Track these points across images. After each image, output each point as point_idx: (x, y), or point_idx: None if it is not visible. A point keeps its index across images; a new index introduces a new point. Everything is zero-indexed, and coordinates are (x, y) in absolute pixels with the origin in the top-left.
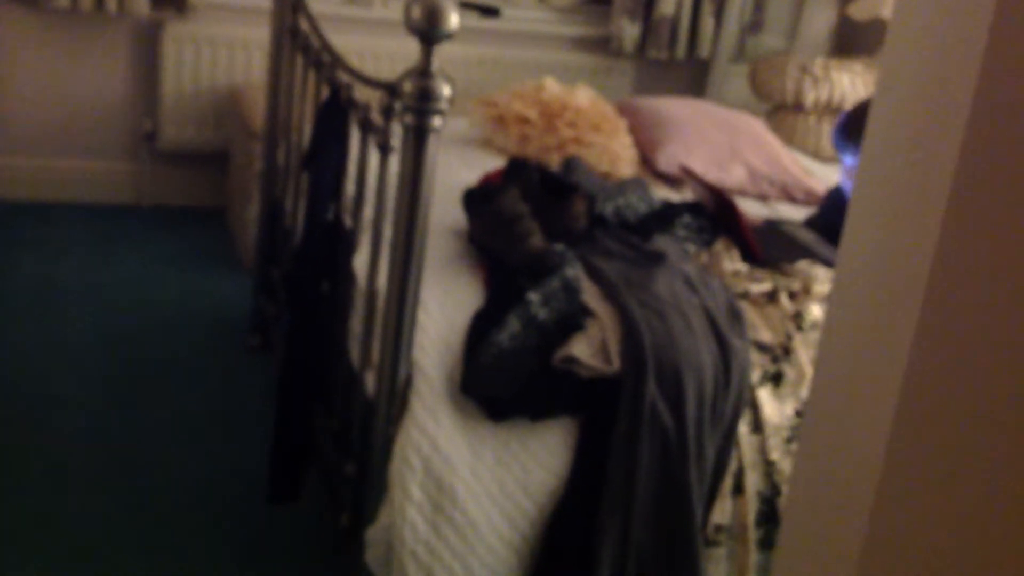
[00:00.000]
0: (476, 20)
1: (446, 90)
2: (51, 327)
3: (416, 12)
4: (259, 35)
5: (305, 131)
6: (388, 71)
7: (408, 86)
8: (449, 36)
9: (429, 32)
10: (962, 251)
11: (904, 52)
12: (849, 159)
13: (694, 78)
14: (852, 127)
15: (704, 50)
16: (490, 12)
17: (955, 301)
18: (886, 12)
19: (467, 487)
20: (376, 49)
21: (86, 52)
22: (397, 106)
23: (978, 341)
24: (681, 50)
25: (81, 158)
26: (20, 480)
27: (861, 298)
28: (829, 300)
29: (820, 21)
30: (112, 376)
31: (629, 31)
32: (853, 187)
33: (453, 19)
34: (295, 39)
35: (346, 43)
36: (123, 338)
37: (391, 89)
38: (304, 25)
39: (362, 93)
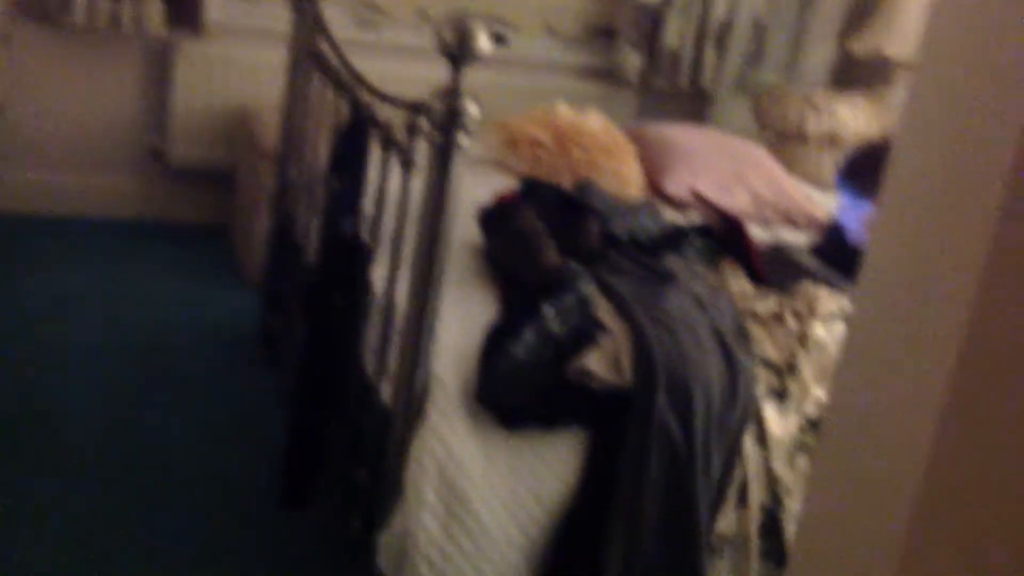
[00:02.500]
0: None
1: (474, 109)
2: (60, 340)
3: (448, 34)
4: (270, 57)
5: (320, 149)
6: (395, 92)
7: (438, 105)
8: (479, 58)
9: (459, 53)
10: (1005, 277)
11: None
12: (846, 197)
13: (696, 108)
14: (853, 171)
15: (706, 81)
16: (499, 40)
17: (996, 323)
18: (886, 47)
19: (480, 493)
20: (384, 71)
21: (100, 69)
22: (423, 124)
23: (1019, 368)
24: (684, 80)
25: (91, 174)
26: (31, 491)
27: (884, 320)
28: (848, 320)
29: (819, 55)
30: (121, 388)
31: (633, 61)
32: (878, 208)
33: (483, 41)
34: (313, 60)
35: (359, 66)
36: (131, 351)
37: (417, 108)
38: (323, 47)
39: (382, 112)
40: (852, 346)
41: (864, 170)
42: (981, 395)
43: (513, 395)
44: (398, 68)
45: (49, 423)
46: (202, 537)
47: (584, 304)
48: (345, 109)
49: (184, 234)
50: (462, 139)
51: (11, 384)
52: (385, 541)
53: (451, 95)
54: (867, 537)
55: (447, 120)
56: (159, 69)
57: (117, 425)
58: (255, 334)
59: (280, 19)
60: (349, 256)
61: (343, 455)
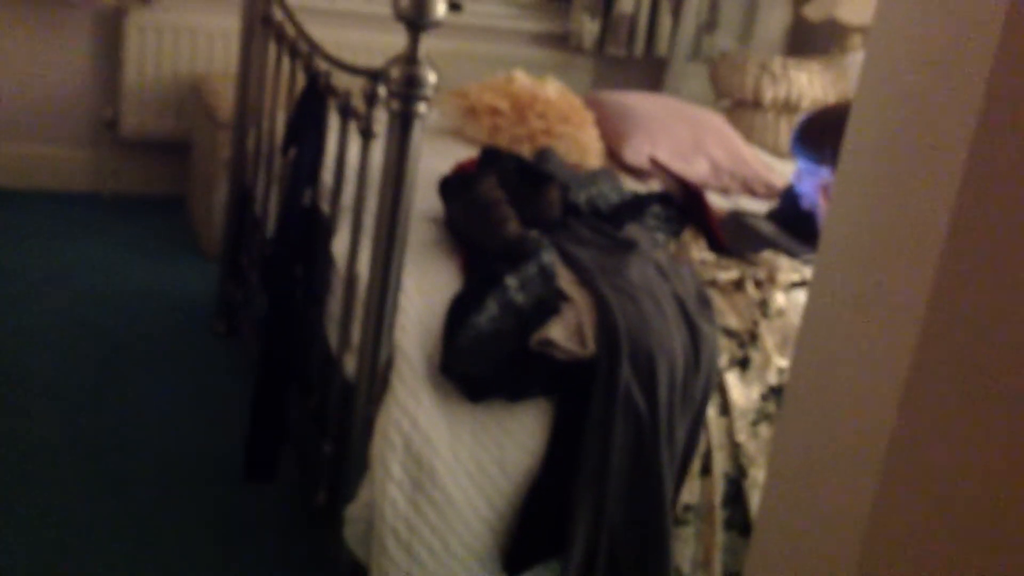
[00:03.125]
0: None
1: (432, 77)
2: (16, 313)
3: (405, 1)
4: (223, 24)
5: (278, 118)
6: (352, 60)
7: (395, 72)
8: (437, 24)
9: (417, 20)
10: (968, 247)
11: (887, 50)
12: (802, 163)
13: (651, 75)
14: (807, 133)
15: (661, 48)
16: (453, 7)
17: (959, 289)
18: (840, 12)
19: (446, 465)
20: (339, 39)
21: (48, 38)
22: (381, 93)
23: (980, 340)
24: (639, 47)
25: (42, 145)
26: None
27: (844, 287)
28: (808, 289)
29: (774, 21)
30: (80, 361)
31: (589, 28)
32: (835, 179)
33: (440, 8)
34: (267, 27)
35: (314, 33)
36: (89, 325)
37: (376, 76)
38: (277, 13)
39: (340, 81)
40: (813, 314)
41: (819, 135)
42: (943, 363)
43: (477, 366)
44: (355, 36)
45: (6, 398)
46: (166, 509)
47: (546, 274)
48: (302, 77)
49: (140, 206)
50: (420, 107)
51: None
52: (351, 514)
53: (409, 62)
54: (831, 504)
55: (405, 88)
56: (110, 37)
57: (77, 399)
58: (214, 306)
59: None
60: (308, 227)
61: (307, 428)
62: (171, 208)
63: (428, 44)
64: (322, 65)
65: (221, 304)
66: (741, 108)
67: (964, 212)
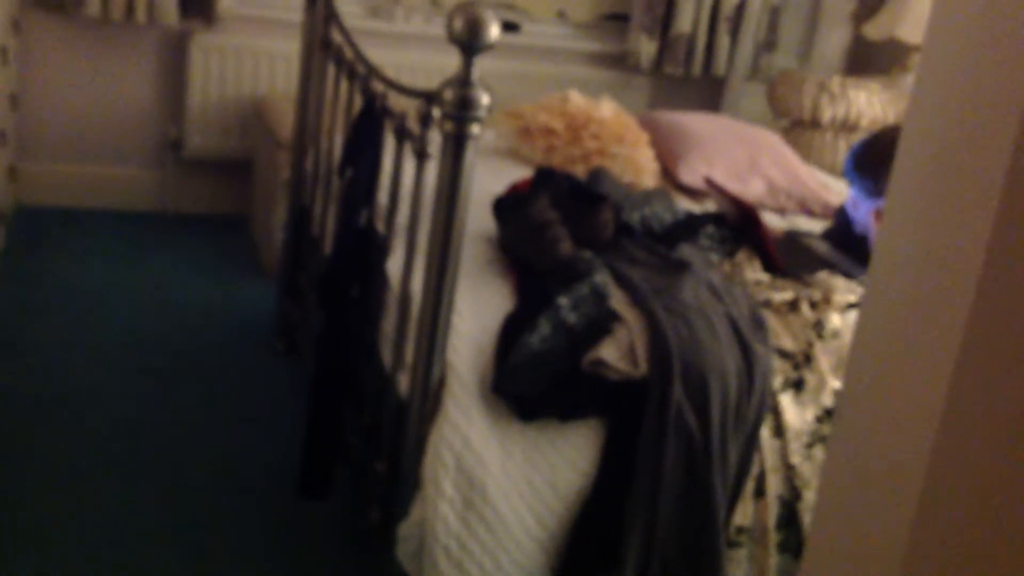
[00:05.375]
0: None
1: (485, 99)
2: (80, 330)
3: (458, 23)
4: (285, 47)
5: (336, 139)
6: (409, 82)
7: (449, 94)
8: (490, 47)
9: (470, 43)
10: (1008, 260)
11: (938, 72)
12: (856, 190)
13: (709, 95)
14: (862, 161)
15: (719, 67)
16: (510, 27)
17: (999, 309)
18: (900, 31)
19: (498, 484)
20: (398, 61)
21: (115, 60)
22: (435, 114)
23: (1021, 360)
24: (697, 67)
25: (108, 165)
26: (53, 477)
27: (895, 308)
28: (860, 310)
29: (833, 40)
30: (141, 377)
31: (646, 48)
32: (888, 196)
33: (494, 30)
34: (327, 50)
35: (370, 55)
36: (151, 341)
37: (430, 98)
38: (336, 37)
39: (396, 102)
40: (864, 336)
41: (874, 164)
42: (985, 386)
43: (529, 386)
44: (412, 57)
45: (69, 413)
46: (221, 526)
47: (599, 294)
48: (359, 99)
49: (202, 225)
50: (474, 128)
51: (30, 375)
52: (403, 532)
53: (462, 84)
54: (879, 527)
55: (458, 109)
56: (174, 60)
57: (136, 416)
58: (273, 324)
59: (293, 8)
60: (364, 247)
61: (361, 446)
62: (234, 227)
63: (484, 65)
64: (378, 87)
65: (280, 322)
66: (799, 127)
67: (1001, 234)
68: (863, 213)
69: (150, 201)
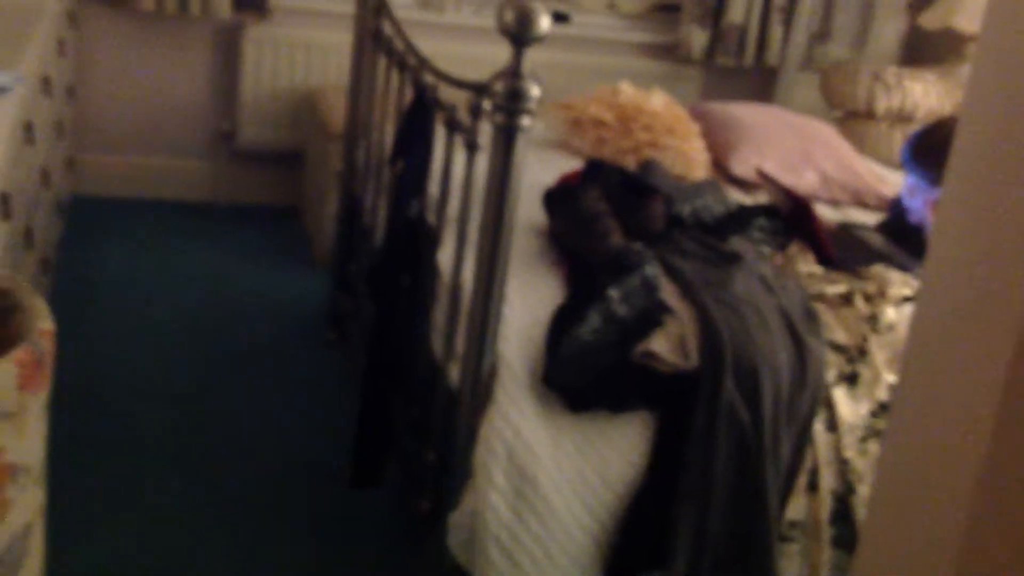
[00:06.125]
0: None
1: (535, 91)
2: (135, 319)
3: (509, 15)
4: (336, 38)
5: (387, 131)
6: (459, 73)
7: (499, 86)
8: (540, 39)
9: (520, 35)
10: None
11: (995, 63)
12: (913, 179)
13: (761, 85)
14: (919, 150)
15: (772, 58)
16: (560, 18)
17: None
18: (957, 21)
19: (548, 475)
20: (448, 52)
21: (169, 53)
22: (486, 106)
23: None
24: (749, 57)
25: (163, 156)
26: (106, 464)
27: (950, 301)
28: (915, 303)
29: (889, 30)
30: (194, 366)
31: (698, 38)
32: (944, 188)
33: (544, 22)
34: (378, 42)
35: (420, 46)
36: (203, 330)
37: (480, 89)
38: (387, 28)
39: (446, 94)
40: (919, 329)
41: (931, 153)
42: None
43: (579, 377)
44: (462, 48)
45: (122, 402)
46: (273, 514)
47: (649, 286)
48: (410, 90)
49: (255, 216)
50: (524, 120)
51: (85, 364)
52: (454, 522)
53: (512, 76)
54: (935, 522)
55: (509, 101)
56: (227, 52)
57: (189, 404)
58: (325, 314)
59: (344, 0)
60: (415, 238)
61: (411, 436)
62: (286, 218)
63: (535, 56)
64: (429, 78)
65: (332, 313)
66: (853, 118)
67: None
68: (919, 202)
69: (203, 192)
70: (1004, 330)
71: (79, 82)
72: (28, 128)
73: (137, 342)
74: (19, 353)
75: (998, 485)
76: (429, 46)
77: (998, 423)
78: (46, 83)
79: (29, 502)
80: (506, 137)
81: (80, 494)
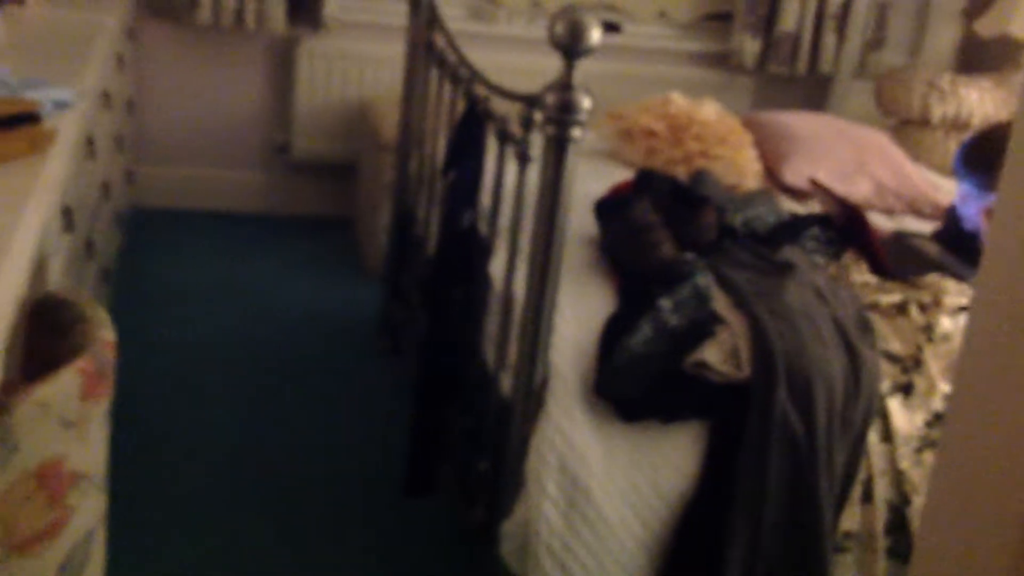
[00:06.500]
0: None
1: (586, 102)
2: (192, 327)
3: (559, 27)
4: (389, 51)
5: (439, 142)
6: (511, 84)
7: (551, 98)
8: (591, 51)
9: (572, 47)
10: None
11: None
12: (967, 186)
13: (815, 93)
14: (972, 157)
15: (825, 65)
16: (611, 28)
17: None
18: (1014, 28)
19: (600, 485)
20: (501, 63)
21: (225, 67)
22: (537, 117)
23: None
24: (802, 65)
25: (219, 168)
26: (162, 473)
27: (1004, 311)
28: (969, 312)
29: (944, 37)
30: (249, 375)
31: (750, 47)
32: (997, 197)
33: (595, 35)
34: (430, 54)
35: (472, 57)
36: (258, 339)
37: (531, 101)
38: (439, 41)
39: (498, 105)
40: (974, 339)
41: (985, 159)
42: None
43: (631, 388)
44: (515, 59)
45: (178, 411)
46: (327, 523)
47: (701, 296)
48: (462, 102)
49: (309, 227)
50: (575, 132)
51: (141, 373)
52: (507, 530)
53: (563, 88)
54: (989, 533)
55: (560, 113)
56: (282, 65)
57: (243, 413)
58: (379, 325)
59: (397, 13)
60: (467, 249)
61: (465, 445)
62: (339, 229)
63: (586, 66)
64: (481, 90)
65: (385, 323)
66: (908, 126)
67: None
68: (973, 210)
69: (258, 203)
70: None
71: (138, 96)
72: (89, 143)
73: (194, 351)
74: (81, 363)
75: None
76: (481, 57)
77: None
78: (106, 98)
79: (92, 509)
80: (557, 148)
81: (138, 503)
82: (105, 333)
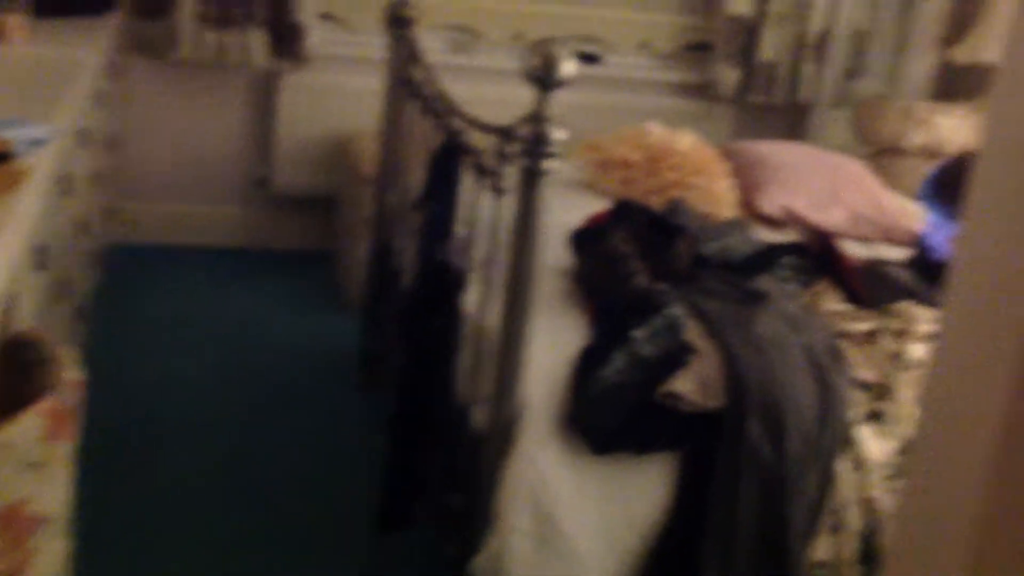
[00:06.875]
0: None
1: (559, 134)
2: (171, 362)
3: (534, 60)
4: (369, 84)
5: (417, 175)
6: (492, 116)
7: (524, 130)
8: (564, 84)
9: (545, 79)
10: None
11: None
12: (933, 216)
13: (794, 122)
14: (937, 185)
15: (804, 94)
16: (591, 59)
17: None
18: (987, 56)
19: (572, 518)
20: (483, 94)
21: (207, 101)
22: (511, 150)
23: None
24: (781, 95)
25: (199, 203)
26: (141, 505)
27: (967, 337)
28: (935, 339)
29: (921, 66)
30: (229, 409)
31: (729, 76)
32: (963, 219)
33: (569, 67)
34: (409, 88)
35: (454, 89)
36: (238, 374)
37: (506, 133)
38: (418, 74)
39: (476, 138)
40: (938, 366)
41: (948, 187)
42: None
43: (604, 419)
44: (497, 90)
45: (156, 447)
46: (303, 557)
47: (674, 327)
48: (440, 135)
49: (288, 260)
50: (548, 164)
51: (121, 406)
52: (479, 565)
53: (536, 120)
54: (946, 563)
55: (533, 145)
56: (263, 99)
57: (222, 448)
58: (357, 358)
59: (378, 47)
60: (444, 281)
61: (437, 480)
62: (319, 262)
63: (567, 97)
64: (457, 123)
65: (363, 356)
66: (886, 154)
67: None
68: (942, 239)
69: (238, 238)
70: (1020, 367)
71: (122, 132)
72: (66, 180)
73: (173, 386)
74: (46, 404)
75: (1000, 529)
76: (463, 89)
77: (1002, 461)
78: (84, 135)
79: (55, 552)
80: (530, 180)
81: (112, 542)
82: (72, 373)
